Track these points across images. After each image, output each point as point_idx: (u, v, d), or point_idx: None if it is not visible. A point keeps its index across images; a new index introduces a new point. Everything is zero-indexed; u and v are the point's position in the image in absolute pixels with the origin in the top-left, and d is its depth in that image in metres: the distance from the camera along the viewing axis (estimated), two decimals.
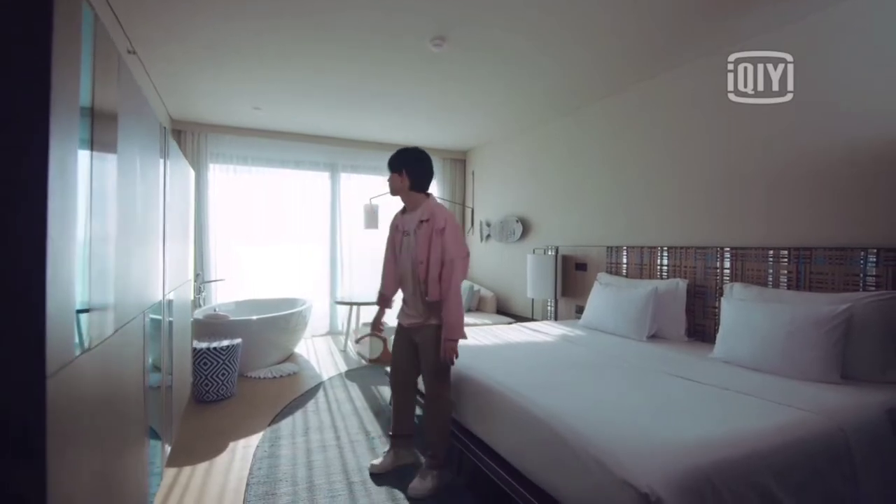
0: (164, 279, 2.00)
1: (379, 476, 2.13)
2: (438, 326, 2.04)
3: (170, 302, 2.15)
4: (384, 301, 2.33)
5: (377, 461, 2.20)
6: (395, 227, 2.23)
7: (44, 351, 0.70)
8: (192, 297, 3.43)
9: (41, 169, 0.72)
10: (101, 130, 1.05)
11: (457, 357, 2.01)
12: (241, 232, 5.00)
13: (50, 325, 0.72)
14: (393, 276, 2.26)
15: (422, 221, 2.05)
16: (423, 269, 2.03)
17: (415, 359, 2.18)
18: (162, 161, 1.94)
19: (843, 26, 2.17)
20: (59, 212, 0.76)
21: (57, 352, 0.75)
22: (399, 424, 2.23)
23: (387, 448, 2.27)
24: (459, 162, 5.96)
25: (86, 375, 0.93)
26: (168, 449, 2.11)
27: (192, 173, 3.20)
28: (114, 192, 1.19)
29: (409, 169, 2.09)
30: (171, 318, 2.16)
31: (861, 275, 2.07)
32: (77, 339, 0.88)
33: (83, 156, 0.93)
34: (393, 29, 2.53)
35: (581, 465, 1.36)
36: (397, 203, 2.25)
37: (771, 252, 2.43)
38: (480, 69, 3.10)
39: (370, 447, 2.43)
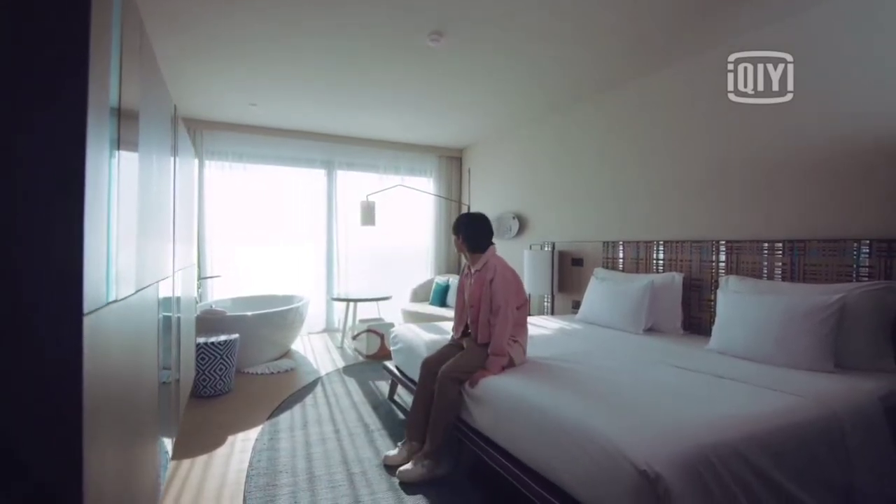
0: (173, 255, 2.06)
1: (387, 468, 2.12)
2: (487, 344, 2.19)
3: (178, 299, 2.17)
4: (456, 341, 2.45)
5: (392, 453, 2.17)
6: (464, 274, 2.44)
7: (81, 290, 0.78)
8: (195, 294, 3.42)
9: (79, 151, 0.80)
10: (125, 129, 1.11)
11: (474, 383, 2.01)
12: (236, 229, 4.97)
13: (87, 269, 0.80)
14: (461, 320, 2.40)
15: (477, 271, 2.30)
16: (474, 312, 2.26)
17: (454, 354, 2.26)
18: (172, 158, 2.00)
19: (840, 22, 2.20)
20: (93, 180, 0.85)
21: (92, 294, 0.84)
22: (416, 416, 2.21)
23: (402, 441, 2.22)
24: (455, 160, 5.97)
25: (112, 324, 1.00)
26: (173, 442, 2.10)
27: (195, 160, 3.21)
28: (136, 175, 1.23)
29: (463, 234, 2.33)
30: (179, 315, 2.17)
31: (854, 265, 2.11)
32: (106, 291, 0.97)
33: (112, 152, 1.01)
34: (392, 24, 2.54)
35: (579, 447, 1.38)
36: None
37: (766, 245, 2.47)
38: (479, 66, 3.12)
39: (369, 439, 2.44)
